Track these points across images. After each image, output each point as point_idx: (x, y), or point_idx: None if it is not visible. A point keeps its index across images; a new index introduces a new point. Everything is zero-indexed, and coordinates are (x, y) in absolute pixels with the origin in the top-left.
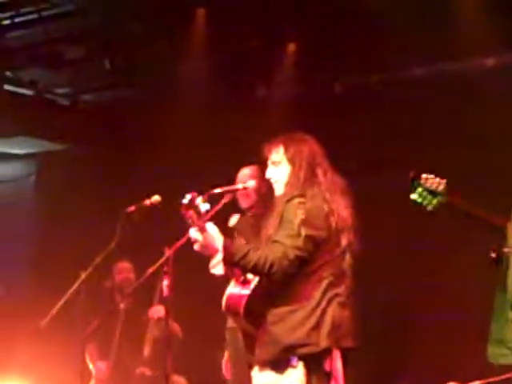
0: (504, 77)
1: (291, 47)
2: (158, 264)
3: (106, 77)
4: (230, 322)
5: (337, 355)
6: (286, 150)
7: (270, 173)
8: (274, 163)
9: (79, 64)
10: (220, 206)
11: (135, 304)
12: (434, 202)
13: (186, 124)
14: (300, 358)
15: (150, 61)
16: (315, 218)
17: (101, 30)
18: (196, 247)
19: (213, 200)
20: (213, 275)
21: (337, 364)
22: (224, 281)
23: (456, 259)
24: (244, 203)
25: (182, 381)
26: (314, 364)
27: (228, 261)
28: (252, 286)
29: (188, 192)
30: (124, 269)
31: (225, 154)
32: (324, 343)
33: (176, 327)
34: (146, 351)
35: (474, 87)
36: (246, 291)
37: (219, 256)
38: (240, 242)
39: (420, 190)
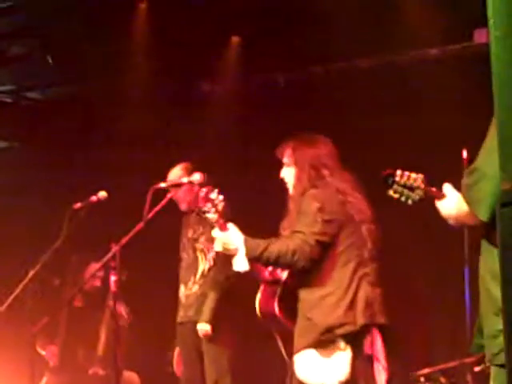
0: (447, 67)
1: (235, 40)
2: (104, 260)
3: (49, 73)
4: (180, 317)
5: (376, 335)
6: (293, 152)
7: (283, 173)
8: (285, 164)
9: (22, 61)
10: (166, 200)
11: (89, 303)
12: (413, 196)
13: (131, 120)
14: (344, 341)
15: (94, 57)
16: (330, 205)
17: (42, 26)
18: (216, 247)
19: (158, 195)
20: (165, 270)
21: (377, 344)
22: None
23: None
24: (183, 205)
25: (134, 376)
26: (356, 346)
27: (251, 255)
28: (279, 286)
29: (135, 188)
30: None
31: (171, 149)
32: (361, 320)
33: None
34: (100, 350)
35: (417, 78)
36: (276, 294)
37: (241, 252)
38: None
39: (396, 186)
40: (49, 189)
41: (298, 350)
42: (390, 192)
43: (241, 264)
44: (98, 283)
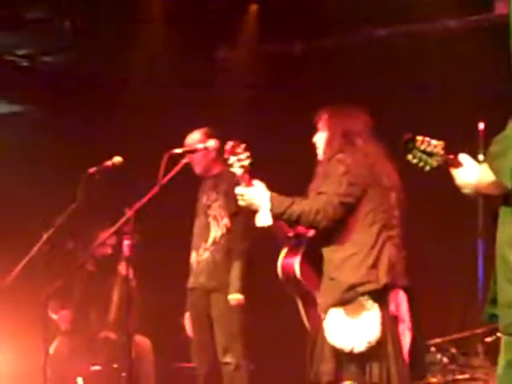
0: (466, 39)
1: (253, 8)
2: (118, 224)
3: (66, 38)
4: (191, 283)
5: (402, 296)
6: (328, 118)
7: (316, 138)
8: (319, 129)
9: (40, 25)
10: (180, 166)
11: (102, 267)
12: (431, 162)
13: (147, 85)
14: (371, 301)
15: (111, 22)
16: (356, 168)
17: None
18: (241, 202)
19: (174, 160)
20: (179, 236)
21: (402, 305)
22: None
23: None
24: (198, 168)
25: (146, 341)
26: (382, 306)
27: (275, 211)
28: (302, 248)
29: (150, 153)
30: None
31: (187, 115)
32: (384, 279)
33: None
34: (112, 315)
35: (435, 48)
36: (298, 256)
37: (265, 207)
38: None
39: (415, 151)
40: (64, 153)
41: (323, 311)
42: (409, 157)
43: (264, 219)
44: (108, 250)
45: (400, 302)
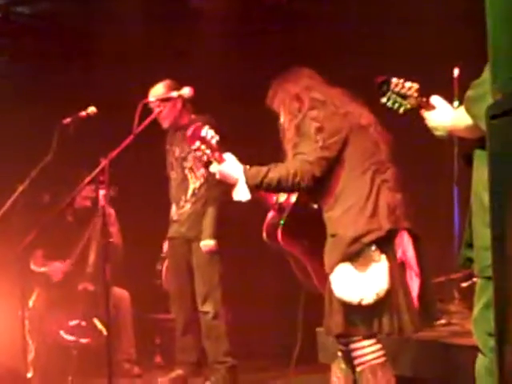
0: None
1: None
2: (93, 174)
3: None
4: (171, 233)
5: (408, 241)
6: (274, 99)
7: (281, 121)
8: (279, 113)
9: None
10: (155, 114)
11: (81, 219)
12: (405, 104)
13: (122, 36)
14: (378, 252)
15: None
16: (331, 122)
17: None
18: (218, 177)
19: (148, 110)
20: (152, 186)
21: (409, 251)
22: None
23: None
24: (166, 122)
25: (124, 293)
26: (389, 255)
27: (251, 184)
28: (286, 213)
29: (123, 103)
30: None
31: (161, 66)
32: (387, 225)
33: (117, 238)
34: (90, 266)
35: None
36: (281, 222)
37: (242, 181)
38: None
39: (389, 93)
40: (37, 104)
41: (330, 269)
42: (383, 99)
43: (242, 194)
44: (88, 203)
45: (406, 246)
